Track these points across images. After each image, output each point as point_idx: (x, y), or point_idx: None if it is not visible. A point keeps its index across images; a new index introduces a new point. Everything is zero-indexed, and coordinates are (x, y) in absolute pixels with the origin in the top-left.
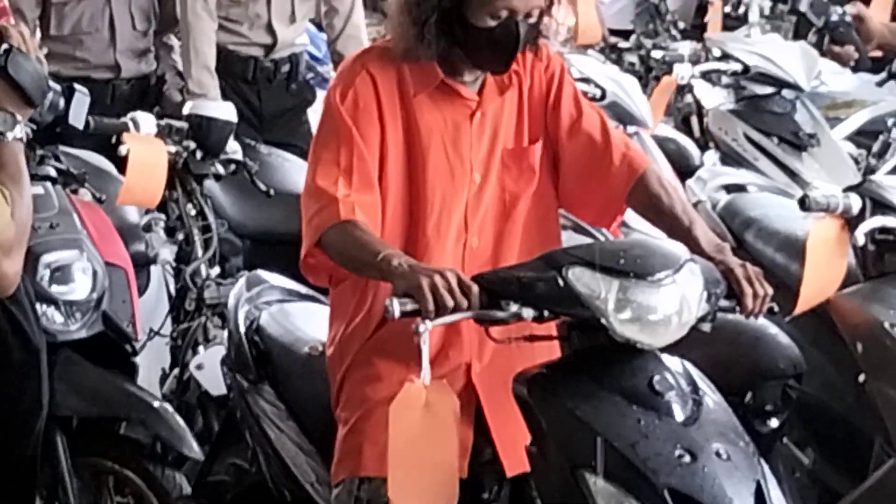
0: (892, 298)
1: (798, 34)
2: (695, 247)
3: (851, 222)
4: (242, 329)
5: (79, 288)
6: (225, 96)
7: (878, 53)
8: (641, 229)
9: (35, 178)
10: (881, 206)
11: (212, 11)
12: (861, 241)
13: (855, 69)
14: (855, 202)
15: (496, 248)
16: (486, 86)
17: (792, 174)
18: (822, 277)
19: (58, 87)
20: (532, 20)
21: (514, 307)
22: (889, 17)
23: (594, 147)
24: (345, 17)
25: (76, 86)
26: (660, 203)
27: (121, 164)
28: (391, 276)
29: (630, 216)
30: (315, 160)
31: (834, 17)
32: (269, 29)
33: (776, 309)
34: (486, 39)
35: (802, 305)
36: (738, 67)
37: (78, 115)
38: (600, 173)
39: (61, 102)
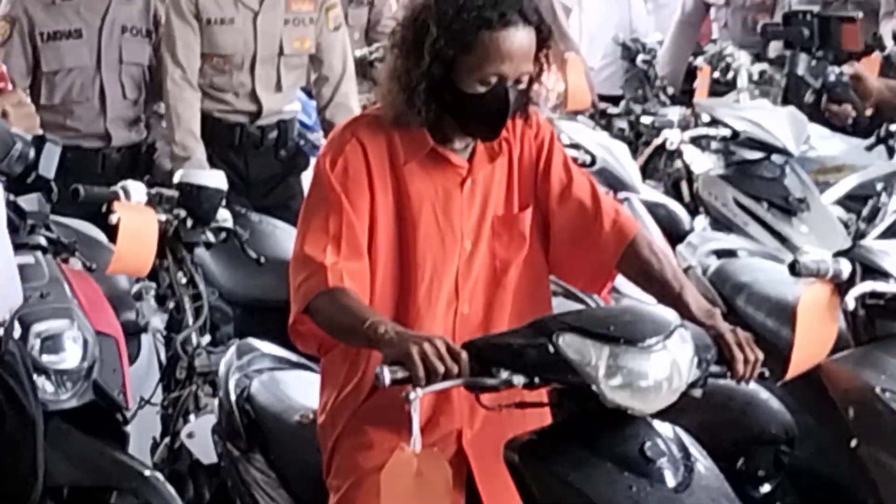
0: (883, 363)
1: (787, 99)
2: (685, 312)
3: (842, 287)
4: (233, 397)
5: (69, 357)
6: (212, 163)
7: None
8: (632, 295)
9: (25, 247)
10: (871, 270)
11: (191, 80)
12: (851, 305)
13: (853, 127)
14: (845, 267)
15: (487, 315)
16: (477, 153)
17: (782, 239)
18: (812, 342)
19: (27, 137)
20: (522, 86)
21: (504, 374)
22: (876, 76)
23: (584, 213)
24: (334, 85)
25: (47, 135)
26: (650, 268)
27: (111, 232)
28: (379, 344)
29: (620, 282)
30: (304, 227)
31: (831, 78)
32: (254, 97)
33: (767, 374)
34: (476, 106)
35: (794, 370)
36: (727, 133)
37: (48, 165)
38: (590, 239)
39: (31, 153)
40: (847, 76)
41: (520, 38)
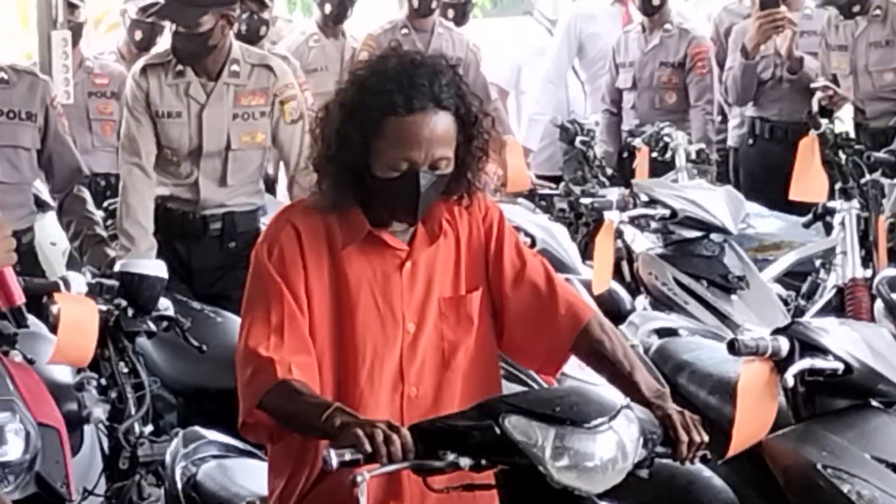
0: (823, 440)
1: (722, 178)
2: (635, 392)
3: (781, 364)
4: (179, 486)
5: (11, 450)
6: (160, 250)
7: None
8: (576, 376)
9: None
10: (810, 347)
11: (145, 167)
12: (791, 383)
13: None
14: (784, 344)
15: (437, 398)
16: (417, 235)
17: (722, 317)
18: (753, 420)
19: None
20: (441, 171)
21: (451, 457)
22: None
23: (539, 297)
24: (292, 174)
25: None
26: (602, 349)
27: (52, 323)
28: (335, 435)
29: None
30: (247, 320)
31: None
32: (195, 188)
33: (709, 457)
34: (389, 190)
35: (735, 448)
36: (665, 213)
37: None
38: (546, 323)
39: None
40: None
41: (431, 123)
